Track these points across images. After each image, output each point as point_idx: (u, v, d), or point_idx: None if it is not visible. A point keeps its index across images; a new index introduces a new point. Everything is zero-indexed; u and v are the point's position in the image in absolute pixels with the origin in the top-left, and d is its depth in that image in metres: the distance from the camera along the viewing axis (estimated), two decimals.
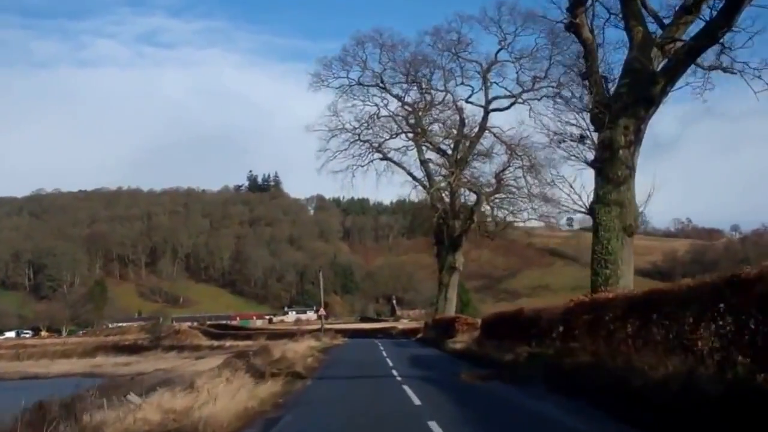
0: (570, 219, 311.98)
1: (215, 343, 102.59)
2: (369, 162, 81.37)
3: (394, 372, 34.01)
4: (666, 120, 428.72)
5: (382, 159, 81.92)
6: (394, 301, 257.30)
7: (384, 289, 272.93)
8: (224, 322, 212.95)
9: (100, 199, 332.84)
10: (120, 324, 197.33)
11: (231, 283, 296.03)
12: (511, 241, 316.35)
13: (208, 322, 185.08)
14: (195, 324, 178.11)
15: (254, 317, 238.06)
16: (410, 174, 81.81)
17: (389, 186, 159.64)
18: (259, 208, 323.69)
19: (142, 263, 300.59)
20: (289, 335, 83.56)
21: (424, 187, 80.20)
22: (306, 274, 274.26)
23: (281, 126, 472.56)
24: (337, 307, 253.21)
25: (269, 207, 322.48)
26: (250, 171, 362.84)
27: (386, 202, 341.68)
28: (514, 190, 77.27)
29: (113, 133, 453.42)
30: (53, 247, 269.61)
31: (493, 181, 77.77)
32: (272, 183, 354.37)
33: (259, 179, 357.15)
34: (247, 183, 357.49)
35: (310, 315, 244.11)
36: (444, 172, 79.64)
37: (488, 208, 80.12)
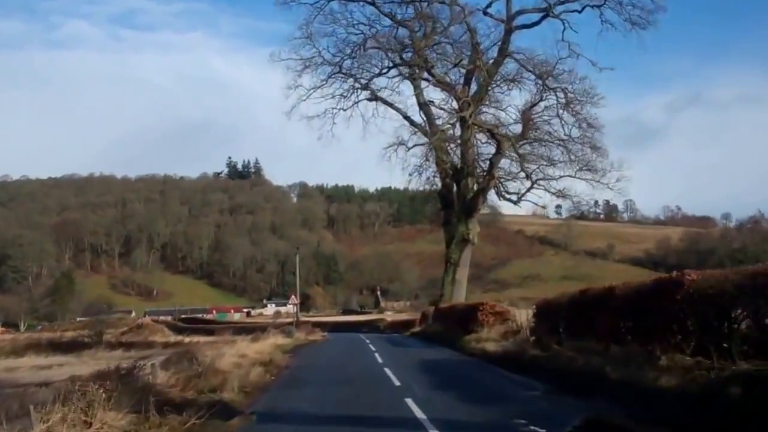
0: (559, 206, 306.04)
1: (174, 338, 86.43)
2: (354, 104, 62.78)
3: (410, 403, 17.93)
4: (653, 109, 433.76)
5: (370, 99, 62.97)
6: (379, 293, 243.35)
7: (368, 280, 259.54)
8: (200, 315, 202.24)
9: (71, 187, 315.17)
10: (82, 319, 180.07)
11: (209, 275, 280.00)
12: (501, 229, 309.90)
13: (182, 316, 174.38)
14: (169, 318, 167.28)
15: (232, 310, 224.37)
16: (407, 118, 62.75)
17: (380, 137, 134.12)
18: (239, 195, 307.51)
19: (116, 254, 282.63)
20: (261, 329, 66.25)
21: (426, 134, 61.38)
22: (287, 264, 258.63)
23: (263, 113, 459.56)
24: (319, 299, 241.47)
25: (250, 194, 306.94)
26: (230, 158, 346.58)
27: (372, 188, 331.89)
28: (546, 134, 60.43)
29: (87, 118, 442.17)
30: (19, 237, 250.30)
31: (519, 124, 60.85)
32: (253, 170, 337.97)
33: (240, 166, 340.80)
34: (226, 170, 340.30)
35: (290, 307, 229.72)
36: (450, 117, 61.61)
37: (512, 158, 61.89)
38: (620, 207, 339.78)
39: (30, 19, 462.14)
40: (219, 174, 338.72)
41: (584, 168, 59.00)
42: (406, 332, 69.00)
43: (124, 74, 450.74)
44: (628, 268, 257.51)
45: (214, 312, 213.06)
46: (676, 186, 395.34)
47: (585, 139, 58.82)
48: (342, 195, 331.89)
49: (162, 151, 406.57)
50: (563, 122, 58.59)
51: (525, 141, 60.40)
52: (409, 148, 61.66)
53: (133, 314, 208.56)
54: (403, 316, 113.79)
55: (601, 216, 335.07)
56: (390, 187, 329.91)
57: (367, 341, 52.60)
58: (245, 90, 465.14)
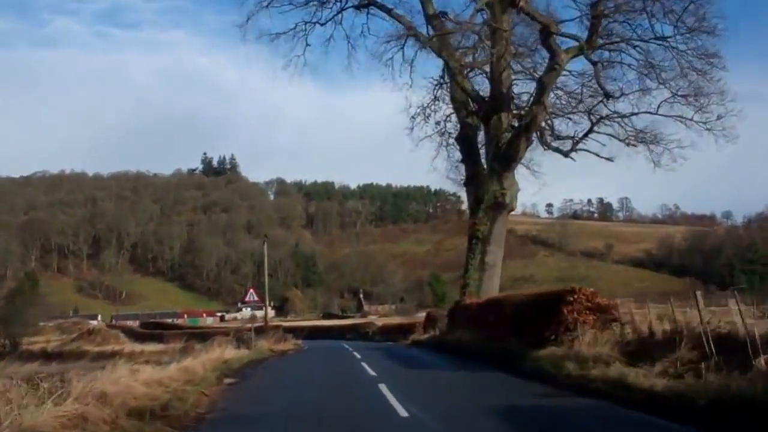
0: (550, 205, 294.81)
1: (125, 347, 70.23)
2: (336, 13, 45.64)
3: None
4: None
5: (358, 6, 45.01)
6: (361, 295, 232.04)
7: (350, 282, 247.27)
8: (170, 320, 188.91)
9: (41, 185, 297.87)
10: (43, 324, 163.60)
11: (180, 277, 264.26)
12: None
13: (150, 321, 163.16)
14: (136, 323, 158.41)
15: (204, 314, 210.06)
16: (412, 30, 42.84)
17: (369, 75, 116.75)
18: (214, 192, 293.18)
19: (84, 255, 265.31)
20: (223, 335, 48.98)
21: (440, 55, 43.02)
22: (264, 265, 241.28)
23: (243, 110, 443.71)
24: (298, 303, 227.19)
25: (225, 192, 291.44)
26: (205, 153, 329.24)
27: (353, 185, 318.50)
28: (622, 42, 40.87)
29: (67, 116, 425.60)
30: None
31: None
32: (229, 166, 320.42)
33: (215, 162, 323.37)
34: (201, 166, 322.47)
35: (268, 311, 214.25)
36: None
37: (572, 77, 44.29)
38: (615, 206, 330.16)
39: (21, 16, 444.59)
40: (193, 171, 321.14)
41: (685, 95, 39.75)
42: (405, 340, 53.79)
43: (107, 72, 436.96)
44: (627, 270, 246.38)
45: (186, 317, 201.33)
46: (672, 185, 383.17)
47: (691, 46, 38.56)
48: (322, 192, 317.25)
49: (139, 149, 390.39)
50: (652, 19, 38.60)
51: (593, 49, 40.31)
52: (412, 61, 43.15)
53: (99, 319, 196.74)
54: (395, 320, 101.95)
55: (595, 215, 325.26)
56: (372, 183, 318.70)
57: (357, 355, 35.80)
58: (226, 87, 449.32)
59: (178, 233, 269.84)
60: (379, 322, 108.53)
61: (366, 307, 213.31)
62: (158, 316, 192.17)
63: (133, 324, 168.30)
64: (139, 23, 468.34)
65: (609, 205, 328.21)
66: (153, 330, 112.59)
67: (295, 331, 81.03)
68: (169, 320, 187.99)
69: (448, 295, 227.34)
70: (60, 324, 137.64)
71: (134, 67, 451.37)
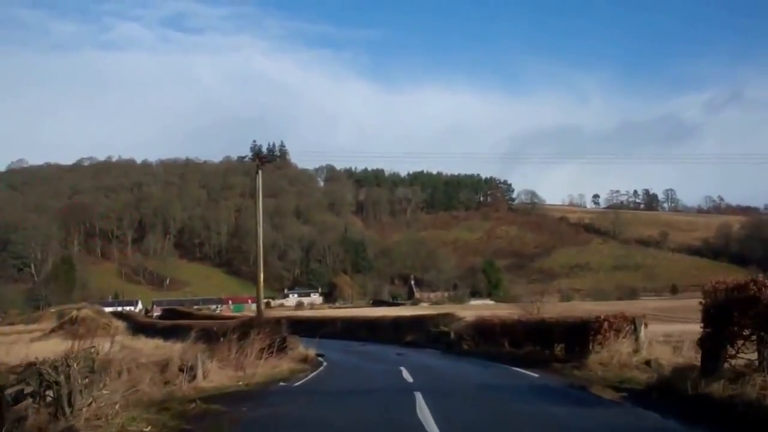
0: (596, 196, 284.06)
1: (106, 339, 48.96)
2: None
3: None
4: (692, 108, 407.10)
5: None
6: (413, 282, 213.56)
7: (401, 269, 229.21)
8: (214, 306, 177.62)
9: (89, 171, 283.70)
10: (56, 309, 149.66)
11: (227, 263, 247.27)
12: (541, 215, 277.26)
13: (167, 307, 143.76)
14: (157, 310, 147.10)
15: (249, 300, 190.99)
16: None
17: None
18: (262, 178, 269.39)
19: (129, 239, 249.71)
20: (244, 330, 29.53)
21: None
22: (312, 251, 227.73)
23: (305, 115, 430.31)
24: (346, 288, 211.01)
25: (274, 177, 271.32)
26: (254, 141, 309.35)
27: (403, 173, 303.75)
28: None
29: (129, 112, 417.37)
30: (22, 220, 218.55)
31: None
32: (278, 153, 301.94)
33: (264, 149, 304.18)
34: (250, 154, 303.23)
35: (314, 297, 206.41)
36: None
37: None
38: (660, 197, 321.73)
39: (83, 20, 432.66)
40: (243, 158, 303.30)
41: None
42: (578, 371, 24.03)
43: (171, 73, 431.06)
44: (683, 258, 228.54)
45: (230, 303, 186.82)
46: (714, 178, 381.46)
47: None
48: (371, 179, 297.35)
49: (197, 144, 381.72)
50: None
51: None
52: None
53: (140, 304, 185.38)
54: (500, 312, 59.58)
55: (641, 206, 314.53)
56: (422, 172, 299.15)
57: None
58: (288, 88, 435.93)
59: (225, 218, 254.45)
60: (467, 314, 53.61)
61: (417, 294, 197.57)
62: (200, 302, 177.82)
63: (152, 312, 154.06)
64: (203, 29, 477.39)
65: (654, 196, 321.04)
66: (168, 320, 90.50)
67: (323, 326, 62.76)
68: (214, 306, 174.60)
69: (502, 282, 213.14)
70: (61, 310, 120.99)
71: (199, 69, 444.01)
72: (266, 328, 32.19)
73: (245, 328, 32.30)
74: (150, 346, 39.16)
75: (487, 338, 38.12)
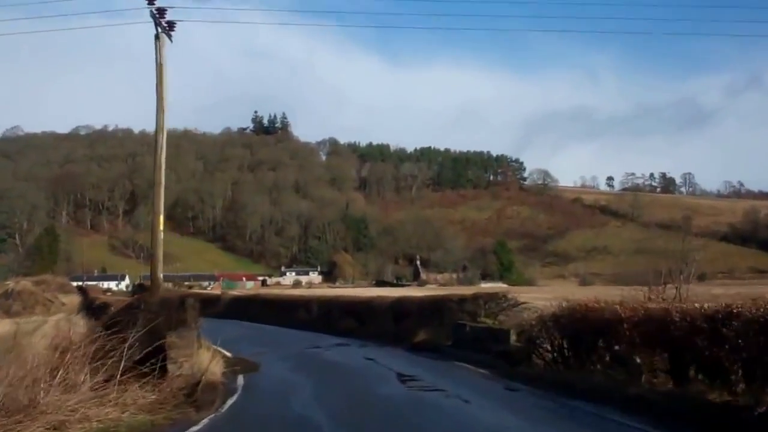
0: (611, 178, 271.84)
1: None
2: None
3: None
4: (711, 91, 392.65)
5: None
6: (418, 262, 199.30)
7: (405, 248, 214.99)
8: (204, 283, 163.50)
9: (83, 140, 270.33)
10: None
11: (221, 238, 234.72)
12: (554, 196, 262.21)
13: (146, 282, 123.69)
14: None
15: (244, 278, 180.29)
16: None
17: None
18: (262, 150, 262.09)
19: (120, 211, 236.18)
20: None
21: None
22: (311, 228, 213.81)
23: (307, 83, 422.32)
24: (347, 268, 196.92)
25: (274, 150, 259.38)
26: (256, 112, 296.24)
27: (410, 148, 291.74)
28: None
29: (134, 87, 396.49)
30: (9, 189, 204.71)
31: None
32: (279, 125, 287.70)
33: (265, 120, 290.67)
34: (251, 126, 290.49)
35: (313, 276, 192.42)
36: None
37: None
38: (678, 181, 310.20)
39: None
40: (244, 130, 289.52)
41: None
42: None
43: (175, 44, 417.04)
44: (708, 243, 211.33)
45: (222, 280, 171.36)
46: (734, 162, 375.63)
47: None
48: (376, 154, 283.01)
49: (199, 116, 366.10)
50: None
51: None
52: None
53: (127, 279, 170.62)
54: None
55: (658, 189, 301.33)
56: (430, 147, 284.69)
57: None
58: (290, 61, 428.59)
59: (222, 191, 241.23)
60: (534, 298, 30.98)
61: (423, 275, 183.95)
62: (191, 278, 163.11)
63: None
64: None
65: (672, 180, 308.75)
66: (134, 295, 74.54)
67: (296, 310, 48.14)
68: (204, 283, 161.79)
69: (514, 265, 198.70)
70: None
71: (202, 40, 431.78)
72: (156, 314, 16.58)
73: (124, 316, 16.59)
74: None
75: (589, 348, 18.39)
